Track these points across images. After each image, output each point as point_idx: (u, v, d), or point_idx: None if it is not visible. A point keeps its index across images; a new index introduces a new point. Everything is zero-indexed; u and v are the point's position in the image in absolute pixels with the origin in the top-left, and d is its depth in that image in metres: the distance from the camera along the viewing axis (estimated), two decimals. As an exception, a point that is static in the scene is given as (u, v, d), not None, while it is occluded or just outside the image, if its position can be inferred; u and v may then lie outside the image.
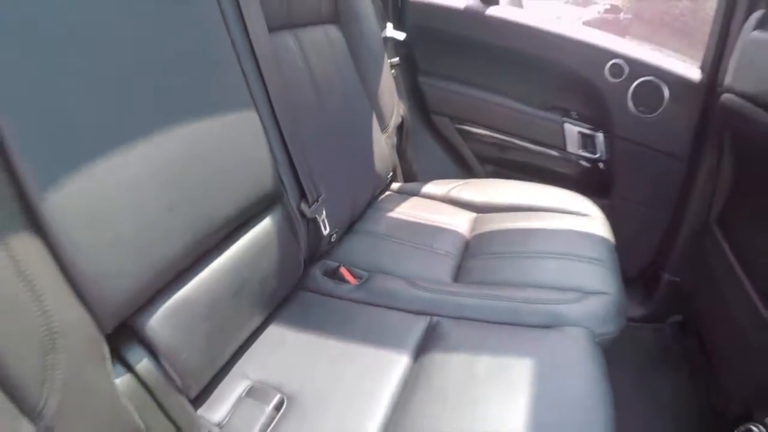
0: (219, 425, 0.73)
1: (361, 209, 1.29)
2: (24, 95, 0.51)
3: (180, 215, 0.67)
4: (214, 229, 0.73)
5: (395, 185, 1.53)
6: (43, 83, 0.53)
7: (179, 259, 0.67)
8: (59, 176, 0.53)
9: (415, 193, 1.46)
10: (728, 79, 1.23)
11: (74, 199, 0.54)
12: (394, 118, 1.48)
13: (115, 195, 0.58)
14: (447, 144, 1.81)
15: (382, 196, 1.44)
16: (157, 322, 0.65)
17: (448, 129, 1.78)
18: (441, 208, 1.37)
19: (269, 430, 0.72)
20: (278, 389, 0.77)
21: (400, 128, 1.58)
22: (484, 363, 0.78)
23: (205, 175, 0.71)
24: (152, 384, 0.64)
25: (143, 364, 0.64)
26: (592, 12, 12.09)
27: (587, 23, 11.90)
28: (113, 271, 0.58)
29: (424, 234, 1.21)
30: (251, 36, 0.88)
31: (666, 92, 1.43)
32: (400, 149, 1.62)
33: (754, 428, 0.86)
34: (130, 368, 0.63)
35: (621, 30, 12.12)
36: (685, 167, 1.48)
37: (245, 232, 0.81)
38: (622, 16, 12.48)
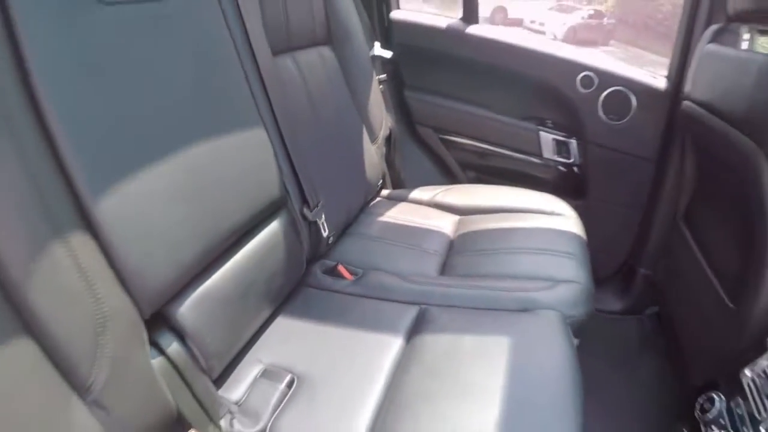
0: (237, 403, 0.85)
1: (355, 214, 1.42)
2: (83, 120, 0.64)
3: (202, 219, 0.80)
4: (230, 231, 0.86)
5: (385, 192, 1.66)
6: (98, 112, 0.66)
7: (202, 257, 0.80)
8: (107, 187, 0.65)
9: (403, 199, 1.60)
10: (688, 88, 1.39)
11: (119, 205, 0.66)
12: (382, 130, 1.62)
13: (151, 202, 0.71)
14: (431, 153, 1.95)
15: (373, 202, 1.57)
16: (186, 309, 0.77)
17: (432, 139, 1.92)
18: (427, 212, 1.50)
19: (282, 405, 0.84)
20: (289, 370, 0.89)
21: (388, 139, 1.71)
22: (468, 342, 0.91)
23: (222, 184, 0.85)
24: (181, 366, 0.77)
25: (173, 347, 0.76)
26: (576, 17, 12.21)
27: (572, 28, 11.97)
28: (150, 266, 0.71)
29: (413, 235, 1.35)
30: (258, 61, 1.02)
31: (633, 100, 1.58)
32: (389, 158, 1.75)
33: (715, 396, 1.00)
34: (162, 351, 0.75)
35: (605, 34, 12.30)
36: (654, 169, 1.63)
37: (256, 234, 0.94)
38: (605, 20, 12.62)
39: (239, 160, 0.90)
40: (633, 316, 1.76)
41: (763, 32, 1.25)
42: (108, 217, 0.65)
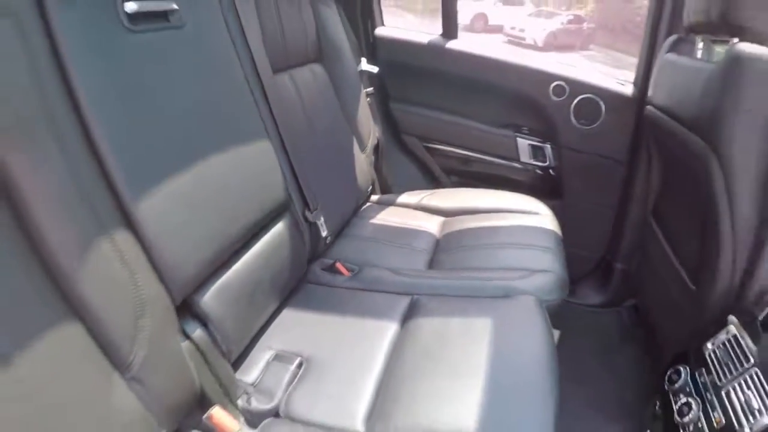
0: (253, 384, 0.98)
1: (348, 217, 1.56)
2: (121, 134, 0.77)
3: (220, 219, 0.93)
4: (243, 230, 0.99)
5: (374, 197, 1.80)
6: (133, 126, 0.79)
7: (220, 252, 0.93)
8: (143, 191, 0.78)
9: (392, 203, 1.74)
10: (650, 94, 1.55)
11: (153, 207, 0.79)
12: (371, 139, 1.77)
13: (178, 204, 0.84)
14: (416, 160, 2.10)
15: (364, 207, 1.71)
16: (209, 298, 0.90)
17: (417, 147, 2.07)
18: (415, 214, 1.65)
19: (294, 383, 0.97)
20: (298, 354, 1.02)
21: (376, 148, 1.86)
22: (455, 325, 1.05)
23: (235, 189, 0.98)
24: (204, 349, 0.89)
25: (198, 333, 0.88)
26: (556, 23, 12.52)
27: (551, 34, 12.24)
28: (179, 259, 0.83)
29: (402, 235, 1.49)
30: (262, 79, 1.16)
31: (603, 107, 1.74)
32: (377, 166, 1.89)
33: (681, 368, 1.14)
34: (188, 337, 0.88)
35: (585, 39, 12.59)
36: (624, 170, 1.79)
37: (265, 234, 1.08)
38: (585, 25, 12.90)
39: (249, 167, 1.03)
40: (612, 308, 1.90)
41: (716, 42, 1.41)
42: (144, 216, 0.78)
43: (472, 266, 1.30)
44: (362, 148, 1.69)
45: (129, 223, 0.76)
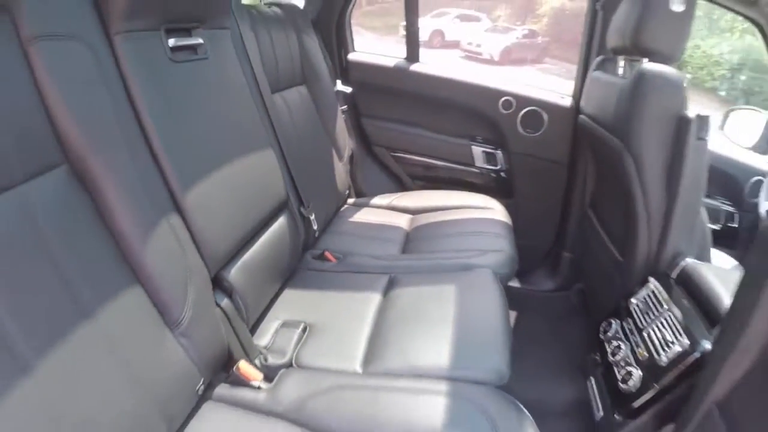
0: (266, 347, 1.23)
1: (331, 216, 1.85)
2: (171, 141, 1.01)
3: (240, 210, 1.20)
4: (256, 220, 1.26)
5: (351, 200, 2.09)
6: (178, 135, 1.05)
7: (241, 238, 1.19)
8: (187, 186, 1.03)
9: (366, 205, 2.03)
10: (582, 105, 1.90)
11: (194, 198, 1.04)
12: (347, 150, 2.06)
13: (211, 196, 1.10)
14: (385, 168, 2.39)
15: (343, 208, 1.99)
16: (234, 273, 1.16)
17: (385, 156, 2.37)
18: (386, 213, 1.95)
19: (301, 343, 1.22)
20: (301, 321, 1.29)
21: (351, 158, 2.15)
22: (427, 292, 1.33)
23: (251, 187, 1.25)
24: (230, 316, 1.13)
25: (225, 302, 1.13)
26: (511, 38, 12.98)
27: (507, 49, 12.63)
28: (213, 239, 1.08)
29: (377, 230, 1.78)
30: (264, 99, 1.45)
31: (545, 117, 2.08)
32: (352, 173, 2.18)
33: (612, 321, 1.46)
34: (218, 305, 1.13)
35: (540, 52, 13.13)
36: (566, 171, 2.13)
37: (271, 225, 1.35)
38: (540, 39, 13.47)
39: (258, 170, 1.31)
40: (562, 292, 2.23)
41: (632, 61, 1.75)
42: (189, 205, 1.03)
43: (437, 249, 1.60)
44: (340, 157, 1.98)
45: (178, 209, 1.01)
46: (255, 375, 1.09)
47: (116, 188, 0.85)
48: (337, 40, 2.21)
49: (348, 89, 2.16)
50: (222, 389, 1.08)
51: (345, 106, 2.15)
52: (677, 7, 1.41)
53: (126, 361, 0.80)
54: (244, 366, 1.10)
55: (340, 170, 1.95)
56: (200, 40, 1.18)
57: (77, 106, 0.81)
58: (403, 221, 1.88)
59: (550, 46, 13.32)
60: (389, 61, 2.22)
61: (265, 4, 1.75)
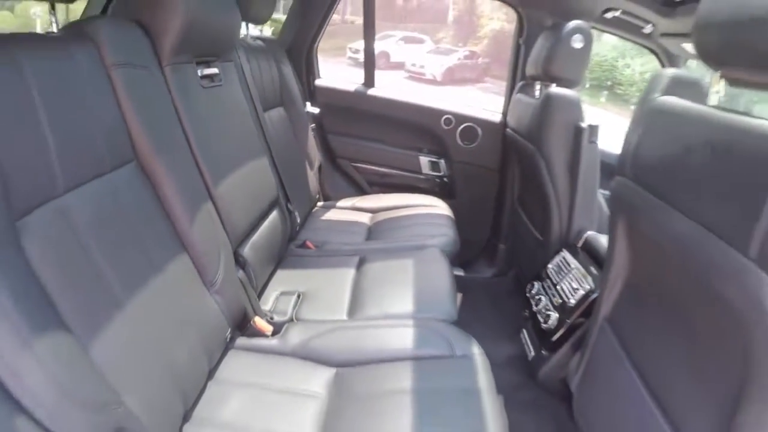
0: (270, 310, 1.57)
1: (307, 216, 2.23)
2: (205, 148, 1.37)
3: (249, 204, 1.57)
4: (260, 211, 1.64)
5: (320, 203, 2.48)
6: (209, 144, 1.41)
7: (250, 225, 1.57)
8: (216, 179, 1.38)
9: (333, 207, 2.43)
10: (508, 120, 2.37)
11: (222, 189, 1.40)
12: (316, 162, 2.46)
13: (232, 190, 1.46)
14: (348, 176, 2.80)
15: (315, 209, 2.38)
16: (247, 250, 1.51)
17: (348, 167, 2.78)
18: (351, 213, 2.35)
19: (298, 305, 1.58)
20: (296, 291, 1.65)
21: (320, 168, 2.55)
22: (390, 265, 1.74)
23: (254, 184, 1.63)
24: (244, 283, 1.48)
25: (240, 273, 1.47)
26: (453, 59, 13.72)
27: (449, 69, 13.24)
28: (234, 221, 1.44)
29: (346, 225, 2.18)
30: (259, 117, 1.83)
31: (479, 131, 2.55)
32: (321, 181, 2.58)
33: (534, 283, 1.90)
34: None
35: (480, 72, 13.88)
36: (498, 175, 2.61)
37: (269, 216, 1.73)
38: (480, 60, 14.28)
39: (259, 173, 1.70)
40: (500, 277, 2.68)
41: (545, 86, 2.24)
42: (217, 195, 1.38)
43: (394, 236, 2.02)
44: (311, 167, 2.37)
45: (211, 198, 1.35)
46: (267, 328, 1.43)
47: (170, 180, 1.16)
48: (306, 68, 2.62)
49: (316, 110, 2.56)
50: (241, 341, 1.40)
51: (313, 125, 2.55)
52: (577, 44, 1.90)
53: (181, 306, 1.11)
54: (258, 321, 1.44)
55: (312, 178, 2.35)
56: (216, 70, 1.55)
57: (143, 118, 1.11)
58: (365, 218, 2.28)
59: (490, 66, 14.01)
60: (350, 86, 2.65)
61: (251, 37, 2.13)
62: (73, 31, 1.07)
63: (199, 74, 1.44)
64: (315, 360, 1.31)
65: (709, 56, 0.91)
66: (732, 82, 0.90)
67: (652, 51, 2.32)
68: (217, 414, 1.12)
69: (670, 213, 0.91)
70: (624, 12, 2.10)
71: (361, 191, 2.80)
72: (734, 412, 0.79)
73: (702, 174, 0.85)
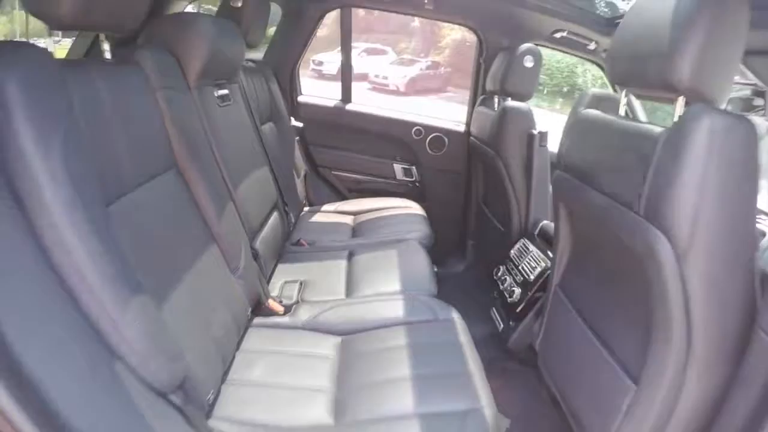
0: (278, 297, 1.87)
1: (297, 218, 2.54)
2: (225, 154, 1.68)
3: (258, 204, 1.89)
4: (264, 213, 1.95)
5: (306, 208, 2.78)
6: (226, 150, 1.70)
7: (260, 223, 1.88)
8: (235, 185, 1.71)
9: (318, 211, 2.73)
10: (471, 130, 2.74)
11: (239, 192, 1.72)
12: (302, 171, 2.77)
13: (246, 193, 1.78)
14: (329, 183, 3.12)
15: (302, 213, 2.68)
16: (259, 244, 1.82)
17: (329, 175, 3.09)
18: (335, 216, 2.66)
19: (300, 293, 1.87)
20: (298, 280, 1.95)
21: (305, 176, 2.86)
22: (376, 255, 2.06)
23: (261, 188, 1.95)
24: (257, 272, 1.78)
25: (254, 263, 1.78)
26: (416, 69, 14.20)
27: (412, 80, 13.64)
28: (249, 219, 1.76)
29: (332, 226, 2.50)
30: (259, 130, 2.14)
31: (446, 140, 2.91)
32: (306, 188, 2.89)
33: (500, 266, 2.24)
34: None
35: (443, 82, 14.33)
36: (464, 178, 2.96)
37: (271, 216, 2.04)
38: (442, 70, 14.77)
39: (262, 179, 2.02)
40: (470, 270, 3.01)
41: (504, 99, 2.61)
42: (237, 197, 1.69)
43: (376, 233, 2.35)
44: (298, 176, 2.69)
45: (232, 199, 1.64)
46: (279, 308, 1.72)
47: (202, 184, 1.42)
48: (290, 85, 2.93)
49: (300, 124, 2.87)
50: (258, 320, 1.68)
51: (298, 137, 2.86)
52: (529, 64, 2.28)
53: (215, 287, 1.38)
54: (272, 302, 1.73)
55: (299, 185, 2.66)
56: (227, 91, 1.86)
57: (181, 132, 1.36)
58: (348, 220, 2.60)
59: (452, 76, 14.43)
60: (329, 102, 2.98)
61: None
62: (125, 58, 1.29)
63: (216, 94, 1.74)
64: (323, 331, 1.61)
65: (617, 79, 1.27)
66: (635, 96, 1.27)
67: (597, 64, 2.71)
68: (249, 376, 1.39)
69: (591, 192, 1.25)
70: (570, 32, 2.49)
71: (342, 197, 3.11)
72: (649, 333, 1.12)
73: (609, 162, 1.21)
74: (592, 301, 1.42)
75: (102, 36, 1.22)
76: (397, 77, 13.74)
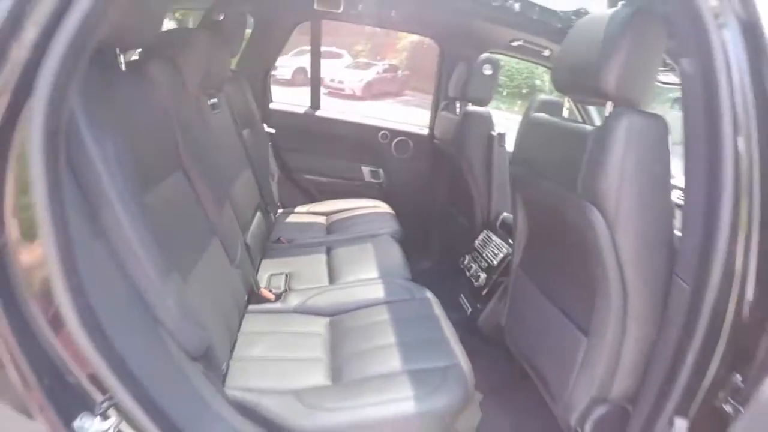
0: (267, 287, 2.10)
1: (274, 219, 2.77)
2: (221, 159, 1.92)
3: (247, 204, 2.13)
4: (252, 211, 2.19)
5: (280, 210, 3.01)
6: (220, 158, 1.95)
7: (249, 219, 2.12)
8: (229, 185, 1.94)
9: (292, 212, 2.96)
10: (435, 133, 3.03)
11: (233, 191, 1.93)
12: (276, 175, 3.00)
13: (237, 191, 2.02)
14: (301, 187, 3.35)
15: (277, 215, 2.91)
16: (249, 239, 2.06)
17: (300, 178, 3.33)
18: (308, 216, 2.90)
19: (287, 283, 2.08)
20: (283, 272, 2.16)
21: (278, 180, 3.09)
22: (353, 249, 2.31)
23: (248, 191, 2.18)
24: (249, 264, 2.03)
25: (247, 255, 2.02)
26: (372, 73, 14.42)
27: (368, 84, 13.82)
28: (241, 216, 1.99)
29: (307, 226, 2.73)
30: (241, 135, 2.37)
31: (411, 143, 3.19)
32: (279, 191, 3.12)
33: (466, 256, 2.53)
34: None
35: (400, 86, 14.65)
36: (428, 179, 3.24)
37: (257, 214, 2.27)
38: (399, 73, 15.07)
39: (248, 181, 2.25)
40: (438, 265, 3.25)
41: (465, 104, 2.90)
42: (232, 196, 1.93)
43: (349, 230, 2.60)
44: (272, 179, 2.91)
45: (229, 198, 1.87)
46: (270, 296, 1.94)
47: (204, 183, 1.61)
48: (262, 93, 3.15)
49: (272, 130, 3.10)
50: (252, 307, 1.88)
51: (270, 142, 3.08)
52: (487, 72, 2.58)
53: (219, 274, 1.64)
54: (264, 290, 1.95)
55: (273, 187, 2.89)
56: (216, 100, 2.08)
57: (186, 137, 1.55)
58: (322, 219, 2.85)
59: (409, 79, 14.74)
60: (299, 109, 3.23)
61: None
62: (136, 69, 1.43)
63: (209, 103, 1.97)
64: (312, 313, 1.84)
65: (560, 87, 1.57)
66: (573, 101, 1.57)
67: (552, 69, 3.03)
68: (251, 353, 1.60)
69: (541, 180, 1.54)
70: (526, 41, 2.78)
71: (313, 199, 3.34)
72: (594, 293, 1.38)
73: (554, 156, 1.50)
74: (548, 274, 1.70)
75: (118, 49, 1.38)
76: (353, 81, 13.87)
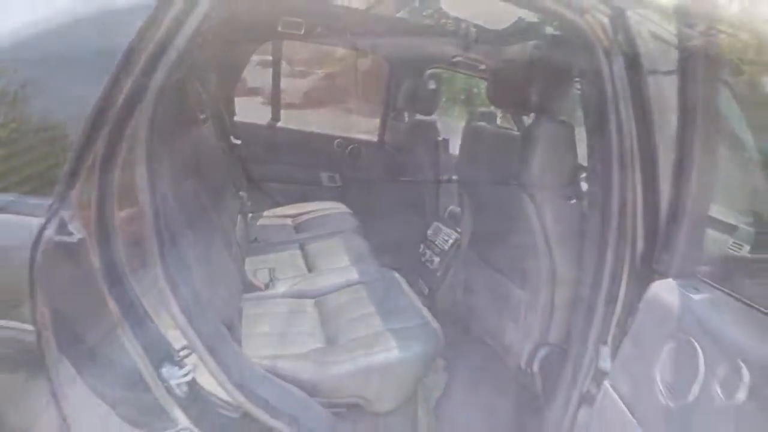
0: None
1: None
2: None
3: (230, 205, 2.49)
4: (236, 213, 2.56)
5: (250, 214, 3.36)
6: None
7: (234, 220, 2.48)
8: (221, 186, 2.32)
9: (260, 217, 3.31)
10: (386, 140, 3.48)
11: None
12: (244, 182, 3.37)
13: (225, 193, 2.39)
14: (264, 193, 3.71)
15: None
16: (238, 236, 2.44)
17: (264, 185, 3.68)
18: (276, 220, 3.26)
19: (272, 275, 2.47)
20: (266, 267, 2.54)
21: (245, 187, 3.46)
22: (324, 243, 2.72)
23: (229, 195, 2.55)
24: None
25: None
26: (311, 82, 14.78)
27: (307, 93, 14.44)
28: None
29: (277, 228, 3.11)
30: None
31: (363, 150, 3.62)
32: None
33: (421, 244, 2.98)
34: None
35: (340, 93, 14.83)
36: (380, 180, 3.66)
37: (238, 217, 2.64)
38: (338, 81, 15.43)
39: (229, 186, 2.61)
40: (397, 253, 3.66)
41: (411, 114, 3.36)
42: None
43: (314, 229, 3.00)
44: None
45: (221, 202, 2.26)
46: (260, 285, 2.29)
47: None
48: (226, 107, 3.49)
49: (238, 141, 3.46)
50: (246, 296, 2.21)
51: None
52: (432, 86, 3.05)
53: (224, 261, 2.03)
54: (255, 280, 2.31)
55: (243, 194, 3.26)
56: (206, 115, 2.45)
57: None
58: (288, 221, 3.23)
59: (349, 88, 14.79)
60: (262, 121, 3.61)
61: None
62: None
63: (201, 117, 2.32)
64: (299, 297, 2.22)
65: (494, 102, 2.04)
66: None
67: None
68: (256, 330, 1.95)
69: (482, 177, 2.01)
70: (465, 57, 3.24)
71: (277, 204, 3.67)
72: (528, 256, 1.83)
73: (489, 156, 1.97)
74: (491, 250, 2.17)
75: None
76: (291, 90, 14.00)
